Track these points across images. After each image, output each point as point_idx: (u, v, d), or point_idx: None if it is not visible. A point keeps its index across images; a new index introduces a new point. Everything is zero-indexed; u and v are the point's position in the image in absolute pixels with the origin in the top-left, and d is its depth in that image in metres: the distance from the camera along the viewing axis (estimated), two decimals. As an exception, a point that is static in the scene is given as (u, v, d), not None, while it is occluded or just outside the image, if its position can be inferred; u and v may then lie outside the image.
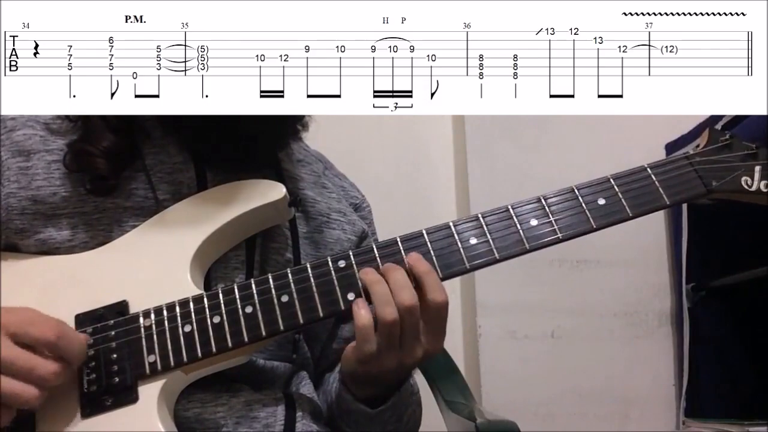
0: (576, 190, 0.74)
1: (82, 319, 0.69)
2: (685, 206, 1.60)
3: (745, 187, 0.74)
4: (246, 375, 0.75)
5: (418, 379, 1.06)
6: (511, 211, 0.73)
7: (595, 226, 0.72)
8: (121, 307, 0.70)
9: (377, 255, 0.71)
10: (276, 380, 0.80)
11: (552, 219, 0.72)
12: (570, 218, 0.73)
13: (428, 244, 0.72)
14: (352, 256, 0.71)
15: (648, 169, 0.75)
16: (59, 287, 0.72)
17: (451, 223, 0.73)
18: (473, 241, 0.72)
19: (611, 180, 0.74)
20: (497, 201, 1.83)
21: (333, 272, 0.71)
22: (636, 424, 1.64)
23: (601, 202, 0.73)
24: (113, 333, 0.69)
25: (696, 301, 1.63)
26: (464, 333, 1.72)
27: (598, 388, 1.64)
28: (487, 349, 1.63)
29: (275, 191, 0.76)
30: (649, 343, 1.68)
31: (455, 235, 0.72)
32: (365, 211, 0.97)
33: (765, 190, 0.75)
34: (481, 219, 0.73)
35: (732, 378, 1.61)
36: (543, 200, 0.73)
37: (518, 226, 0.72)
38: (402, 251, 0.71)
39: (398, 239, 0.72)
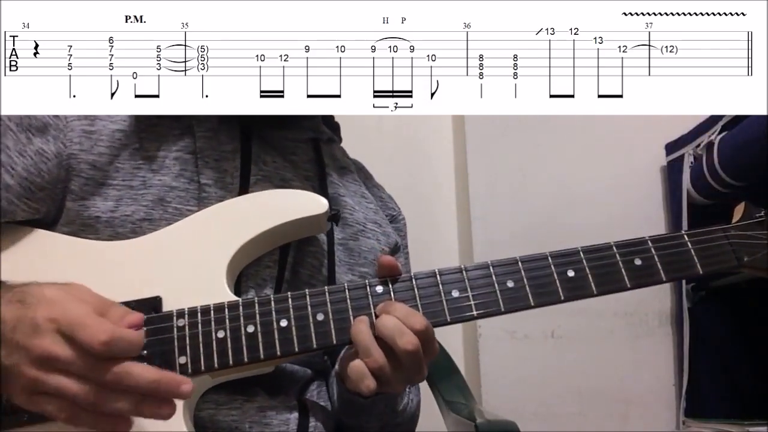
0: (614, 248, 0.74)
1: None
2: (684, 206, 1.61)
3: None
4: (262, 378, 0.75)
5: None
6: (549, 260, 0.73)
7: (629, 286, 0.73)
8: (155, 303, 0.70)
9: (415, 285, 0.71)
10: (293, 385, 0.80)
11: (588, 273, 0.72)
12: (607, 275, 0.73)
13: (466, 281, 0.71)
14: (390, 284, 0.71)
15: (685, 236, 0.75)
16: (96, 273, 0.71)
17: (489, 263, 0.72)
18: (510, 284, 0.71)
19: (649, 242, 0.74)
20: (497, 201, 1.82)
21: (370, 297, 0.70)
22: (636, 424, 1.64)
23: (638, 263, 0.73)
24: (145, 329, 0.68)
25: (696, 301, 1.63)
26: (464, 333, 1.72)
27: (598, 388, 1.64)
28: (487, 349, 1.63)
29: (317, 205, 0.76)
30: (649, 343, 1.68)
31: (493, 276, 0.72)
32: (400, 223, 0.97)
33: None
34: (519, 264, 0.72)
35: (732, 378, 1.62)
36: (581, 254, 0.73)
37: (555, 276, 0.72)
38: (440, 284, 0.71)
39: (437, 271, 0.72)
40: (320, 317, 0.69)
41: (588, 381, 1.64)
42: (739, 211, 0.79)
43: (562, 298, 0.71)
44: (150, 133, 0.78)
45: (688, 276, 0.75)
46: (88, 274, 0.70)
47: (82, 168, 0.74)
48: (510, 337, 1.65)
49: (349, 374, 0.67)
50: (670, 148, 1.71)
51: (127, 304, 0.69)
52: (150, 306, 0.69)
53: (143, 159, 0.76)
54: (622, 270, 0.73)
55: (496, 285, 0.71)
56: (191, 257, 0.73)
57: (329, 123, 0.92)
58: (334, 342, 0.69)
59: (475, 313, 0.70)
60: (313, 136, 0.87)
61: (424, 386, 1.07)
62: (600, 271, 0.72)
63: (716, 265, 0.75)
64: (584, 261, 0.73)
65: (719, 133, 1.52)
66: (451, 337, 1.67)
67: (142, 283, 0.71)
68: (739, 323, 1.62)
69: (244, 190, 0.78)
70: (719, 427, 1.48)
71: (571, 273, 0.72)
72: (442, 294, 0.71)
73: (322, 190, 0.84)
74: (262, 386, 0.76)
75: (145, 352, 0.65)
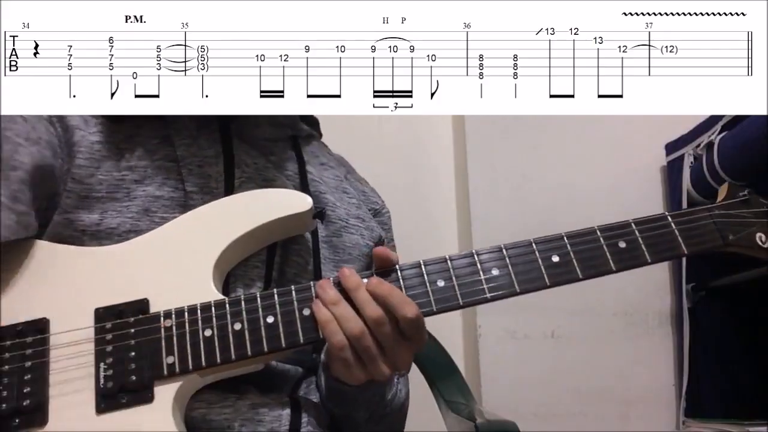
0: (598, 232, 0.74)
1: (101, 314, 0.69)
2: (684, 206, 1.61)
3: (759, 243, 0.76)
4: (254, 376, 0.75)
5: (418, 379, 1.06)
6: (533, 246, 0.73)
7: (614, 269, 0.73)
8: (141, 305, 0.70)
9: (401, 277, 0.71)
10: (285, 384, 0.80)
11: (573, 258, 0.72)
12: (592, 259, 0.73)
13: (451, 270, 0.71)
14: (375, 275, 0.71)
15: (669, 218, 0.75)
16: (83, 278, 0.71)
17: (473, 252, 0.73)
18: (495, 272, 0.71)
19: (633, 224, 0.75)
20: (497, 201, 1.81)
21: None
22: (636, 424, 1.64)
23: (622, 245, 0.73)
24: (132, 331, 0.68)
25: (696, 301, 1.63)
26: (464, 333, 1.72)
27: (598, 388, 1.65)
28: (487, 349, 1.63)
29: (301, 202, 0.76)
30: (649, 343, 1.68)
31: (478, 265, 0.72)
32: (384, 216, 0.97)
33: None
34: (504, 251, 0.72)
35: (732, 378, 1.62)
36: (565, 239, 0.73)
37: (540, 262, 0.72)
38: (425, 275, 0.71)
39: (421, 262, 0.72)
40: (306, 312, 0.69)
41: (588, 381, 1.64)
42: (722, 191, 0.79)
43: (548, 283, 0.71)
44: (129, 143, 0.77)
45: (674, 257, 0.75)
46: (75, 279, 0.71)
47: (64, 180, 0.73)
48: (510, 337, 1.65)
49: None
50: (670, 148, 1.71)
51: (115, 306, 0.70)
52: (137, 308, 0.69)
53: (125, 170, 0.76)
54: (607, 253, 0.73)
55: (481, 273, 0.71)
56: (178, 259, 0.73)
57: (307, 119, 0.92)
58: (322, 336, 0.69)
59: (461, 302, 0.70)
60: (291, 133, 0.87)
61: (424, 386, 1.07)
62: (584, 255, 0.72)
63: (701, 244, 0.75)
64: (568, 246, 0.73)
65: (719, 133, 1.52)
66: (451, 337, 1.67)
67: (130, 285, 0.71)
68: (739, 323, 1.62)
69: (229, 193, 0.78)
70: (719, 427, 1.48)
71: (555, 258, 0.72)
72: (428, 284, 0.71)
73: (303, 188, 0.84)
74: (254, 384, 0.76)
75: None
